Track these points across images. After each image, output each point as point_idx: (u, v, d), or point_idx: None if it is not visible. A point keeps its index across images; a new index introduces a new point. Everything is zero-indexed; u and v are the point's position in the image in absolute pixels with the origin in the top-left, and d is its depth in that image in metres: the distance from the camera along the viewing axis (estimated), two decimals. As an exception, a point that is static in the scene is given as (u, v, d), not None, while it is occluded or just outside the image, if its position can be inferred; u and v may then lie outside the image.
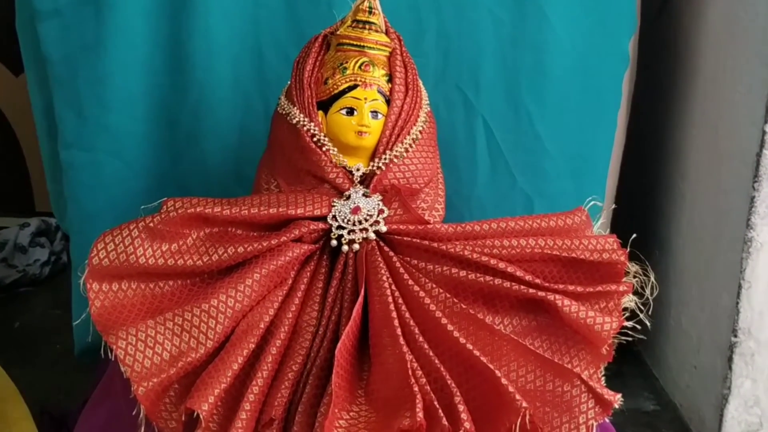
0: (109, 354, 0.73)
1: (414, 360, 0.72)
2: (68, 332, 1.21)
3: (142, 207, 0.82)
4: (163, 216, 0.78)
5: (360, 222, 0.79)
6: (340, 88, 0.81)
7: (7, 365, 1.03)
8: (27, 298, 1.51)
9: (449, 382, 0.71)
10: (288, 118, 0.83)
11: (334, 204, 0.80)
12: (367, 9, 0.84)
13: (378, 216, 0.80)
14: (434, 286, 0.77)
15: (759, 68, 0.98)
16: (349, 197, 0.81)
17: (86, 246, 0.86)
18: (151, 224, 0.77)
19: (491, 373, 0.71)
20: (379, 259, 0.78)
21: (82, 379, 1.05)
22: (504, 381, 0.71)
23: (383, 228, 0.79)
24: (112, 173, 1.08)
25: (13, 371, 1.02)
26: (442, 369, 0.72)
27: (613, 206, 1.09)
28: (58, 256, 1.59)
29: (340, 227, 0.79)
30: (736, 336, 1.04)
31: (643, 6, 1.13)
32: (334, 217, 0.79)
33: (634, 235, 0.85)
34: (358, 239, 0.79)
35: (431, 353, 0.73)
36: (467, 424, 0.68)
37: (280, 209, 0.79)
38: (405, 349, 0.73)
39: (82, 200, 1.10)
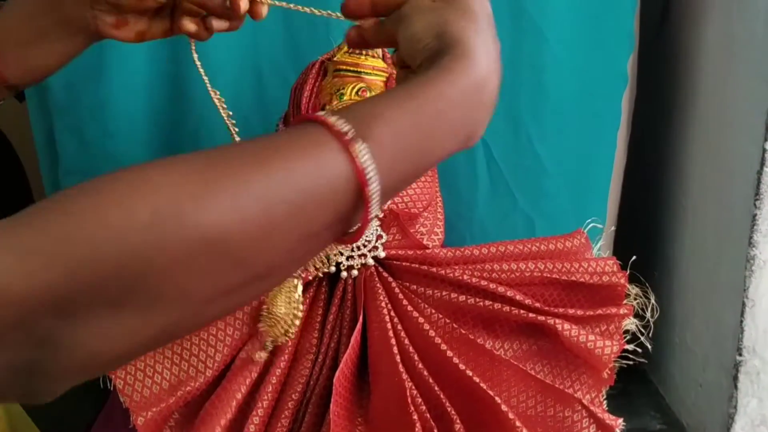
0: (109, 385, 0.73)
1: (413, 387, 0.72)
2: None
3: None
4: None
5: (358, 248, 0.79)
6: (338, 115, 0.81)
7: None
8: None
9: (449, 409, 0.71)
10: (286, 144, 0.83)
11: None
12: (364, 35, 0.84)
13: (376, 242, 0.80)
14: (433, 311, 0.77)
15: (758, 86, 0.98)
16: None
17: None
18: None
19: (491, 400, 0.71)
20: (378, 285, 0.78)
21: (85, 408, 1.05)
22: (504, 407, 0.71)
23: (381, 254, 0.79)
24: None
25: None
26: (441, 396, 0.72)
27: (613, 228, 1.09)
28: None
29: (338, 253, 0.79)
30: (741, 355, 1.03)
31: (641, 25, 1.13)
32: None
33: (634, 257, 0.85)
34: (357, 265, 0.79)
35: (431, 380, 0.73)
36: (467, 452, 0.68)
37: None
38: (404, 376, 0.72)
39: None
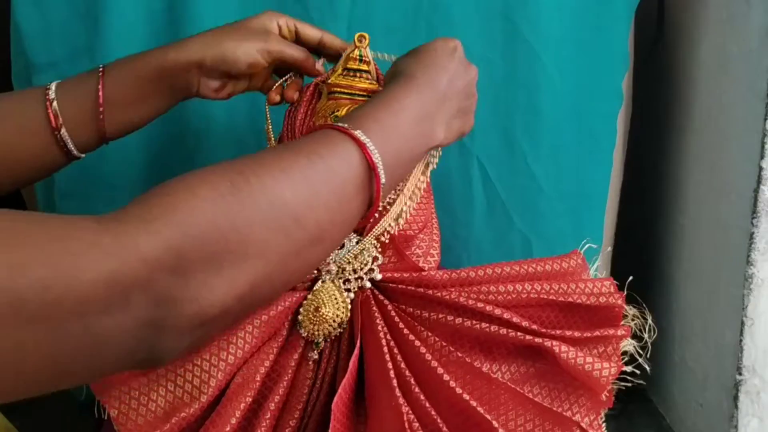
0: (103, 413, 0.72)
1: (410, 411, 0.72)
2: (67, 385, 1.20)
3: None
4: None
5: (354, 271, 0.79)
6: (332, 137, 0.81)
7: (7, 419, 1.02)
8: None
9: (446, 433, 0.71)
10: (281, 167, 0.83)
11: None
12: (358, 57, 0.84)
13: (372, 264, 0.80)
14: (430, 334, 0.76)
15: (754, 103, 0.98)
16: (343, 246, 0.80)
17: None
18: None
19: (489, 424, 0.70)
20: (374, 308, 0.78)
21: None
22: (502, 431, 0.70)
23: (378, 276, 0.79)
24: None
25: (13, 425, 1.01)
26: (438, 420, 0.71)
27: (609, 249, 1.09)
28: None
29: (337, 275, 0.79)
30: (740, 374, 1.02)
31: (636, 43, 1.13)
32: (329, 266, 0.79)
33: (631, 278, 0.84)
34: (354, 288, 0.79)
35: (427, 404, 0.72)
36: (464, 477, 0.67)
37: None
38: (401, 400, 0.72)
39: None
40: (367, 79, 0.84)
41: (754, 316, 1.00)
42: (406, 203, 0.81)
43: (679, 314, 1.20)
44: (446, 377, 0.73)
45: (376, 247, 0.80)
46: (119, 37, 1.03)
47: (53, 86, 0.78)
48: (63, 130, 0.77)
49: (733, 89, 1.04)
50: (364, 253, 0.79)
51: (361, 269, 0.79)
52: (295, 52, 0.83)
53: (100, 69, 0.80)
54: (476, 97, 0.83)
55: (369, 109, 0.69)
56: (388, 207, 0.81)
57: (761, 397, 1.03)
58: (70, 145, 0.78)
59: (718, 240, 1.08)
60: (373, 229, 0.80)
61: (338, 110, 0.82)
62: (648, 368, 0.79)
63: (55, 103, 0.77)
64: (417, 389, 0.73)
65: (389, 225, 0.80)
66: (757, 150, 0.96)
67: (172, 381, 0.73)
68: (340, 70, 0.84)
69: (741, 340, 1.02)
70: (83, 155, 0.81)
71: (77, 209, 1.08)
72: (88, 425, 0.97)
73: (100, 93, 0.78)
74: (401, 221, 0.80)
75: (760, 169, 0.96)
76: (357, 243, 0.80)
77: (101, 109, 0.78)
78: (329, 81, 0.84)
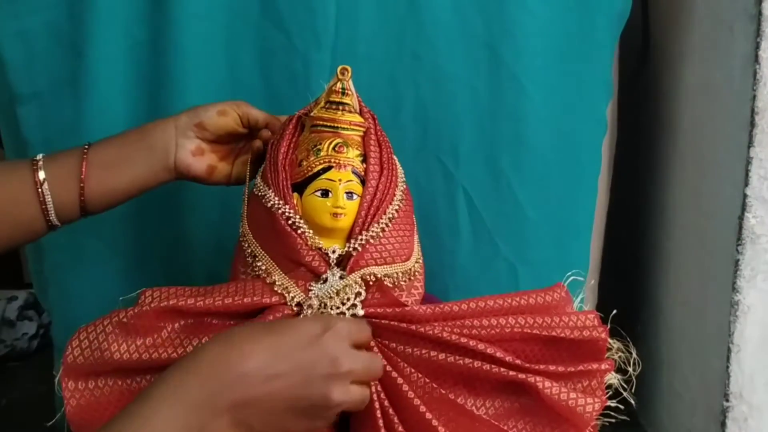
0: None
1: (394, 450, 0.71)
2: (56, 410, 1.19)
3: (121, 298, 0.81)
4: (136, 310, 0.77)
5: (337, 307, 0.79)
6: (315, 170, 0.81)
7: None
8: (15, 373, 1.49)
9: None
10: (263, 200, 0.82)
11: (311, 288, 0.80)
12: (341, 90, 0.84)
13: (355, 299, 0.79)
14: (413, 370, 0.76)
15: (736, 131, 0.98)
16: (326, 280, 0.80)
17: (68, 327, 0.85)
18: (125, 319, 0.76)
19: (471, 463, 0.70)
20: (357, 343, 0.77)
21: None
22: (485, 470, 0.70)
23: (360, 312, 0.78)
24: (91, 254, 1.07)
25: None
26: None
27: (594, 281, 1.09)
28: (46, 329, 1.58)
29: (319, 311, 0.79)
30: (728, 400, 1.02)
31: (619, 71, 1.13)
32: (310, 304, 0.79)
33: (615, 311, 0.84)
34: (336, 324, 0.78)
35: (411, 441, 0.72)
36: None
37: (255, 298, 0.78)
38: (384, 438, 0.72)
39: (62, 281, 1.09)
40: (350, 111, 0.84)
41: (740, 342, 1.00)
42: (398, 272, 0.82)
43: (666, 341, 1.20)
44: (429, 416, 0.72)
45: (359, 284, 0.80)
46: (102, 68, 1.03)
47: (40, 156, 0.83)
48: (46, 191, 0.82)
49: (717, 117, 1.04)
50: (347, 289, 0.79)
51: (344, 304, 0.79)
52: (259, 114, 0.91)
53: (87, 143, 0.86)
54: (335, 399, 0.69)
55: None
56: (376, 244, 0.81)
57: (749, 423, 1.02)
58: (50, 208, 0.82)
59: (703, 267, 1.08)
60: (361, 270, 0.79)
61: (320, 143, 0.82)
62: (634, 402, 0.79)
63: (41, 169, 0.82)
64: (401, 428, 0.73)
65: (380, 273, 0.80)
66: (742, 177, 0.97)
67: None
68: (322, 103, 0.84)
69: (728, 367, 1.01)
70: (60, 225, 0.85)
71: (60, 241, 1.07)
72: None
73: (84, 158, 0.83)
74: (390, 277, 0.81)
75: (745, 196, 0.96)
76: (341, 278, 0.80)
77: (83, 169, 0.83)
78: (312, 114, 0.84)
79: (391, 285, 0.81)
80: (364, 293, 0.79)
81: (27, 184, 0.81)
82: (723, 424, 1.03)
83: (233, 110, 0.89)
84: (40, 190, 0.81)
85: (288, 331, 0.68)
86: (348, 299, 0.79)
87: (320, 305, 0.78)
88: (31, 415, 1.32)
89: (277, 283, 0.80)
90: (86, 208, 0.85)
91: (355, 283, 0.80)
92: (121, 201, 0.88)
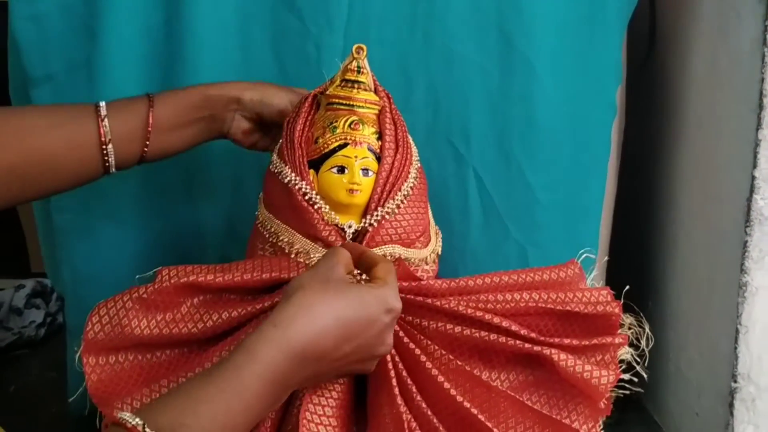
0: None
1: (412, 419, 0.72)
2: (64, 396, 1.20)
3: (137, 276, 0.82)
4: (156, 286, 0.78)
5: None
6: (331, 147, 0.82)
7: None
8: (22, 360, 1.50)
9: (447, 440, 0.71)
10: (280, 176, 0.83)
11: None
12: (356, 68, 0.85)
13: (370, 273, 0.80)
14: (429, 342, 0.77)
15: (745, 114, 0.99)
16: (340, 252, 0.81)
17: (81, 309, 0.86)
18: (144, 295, 0.77)
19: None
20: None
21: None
22: (502, 439, 0.71)
23: None
24: (105, 236, 1.08)
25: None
26: (441, 428, 0.72)
27: (606, 258, 1.10)
28: (53, 317, 1.58)
29: None
30: (736, 381, 1.03)
31: (629, 56, 1.14)
32: None
33: (628, 287, 0.85)
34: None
35: (429, 412, 0.73)
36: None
37: (273, 274, 0.79)
38: (403, 408, 0.73)
39: (76, 264, 1.10)
40: (365, 90, 0.85)
41: (748, 324, 1.01)
42: (416, 258, 0.83)
43: (674, 323, 1.21)
44: (447, 385, 0.73)
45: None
46: (117, 51, 1.03)
47: (103, 104, 0.85)
48: (110, 146, 0.83)
49: (725, 100, 1.05)
50: None
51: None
52: None
53: (149, 95, 0.88)
54: (387, 344, 0.73)
55: (198, 401, 0.60)
56: (391, 220, 0.82)
57: (756, 404, 1.03)
58: (111, 161, 0.84)
59: (712, 248, 1.09)
60: (381, 247, 0.80)
61: (336, 121, 0.83)
62: (645, 376, 0.80)
63: (106, 120, 0.83)
64: (419, 397, 0.74)
65: (402, 254, 0.81)
66: (750, 159, 0.97)
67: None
68: (338, 82, 0.85)
69: (736, 348, 1.02)
70: (115, 172, 0.87)
71: (74, 224, 1.08)
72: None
73: (150, 114, 0.86)
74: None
75: (753, 178, 0.97)
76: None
77: (149, 129, 0.86)
78: (327, 92, 0.85)
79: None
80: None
81: (90, 136, 0.83)
82: (731, 406, 1.04)
83: (290, 108, 0.91)
84: (104, 143, 0.83)
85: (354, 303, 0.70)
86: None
87: None
88: (38, 400, 1.33)
89: (299, 249, 0.81)
90: (144, 160, 0.89)
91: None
92: (175, 155, 0.92)
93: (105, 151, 0.83)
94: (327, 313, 0.66)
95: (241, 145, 0.95)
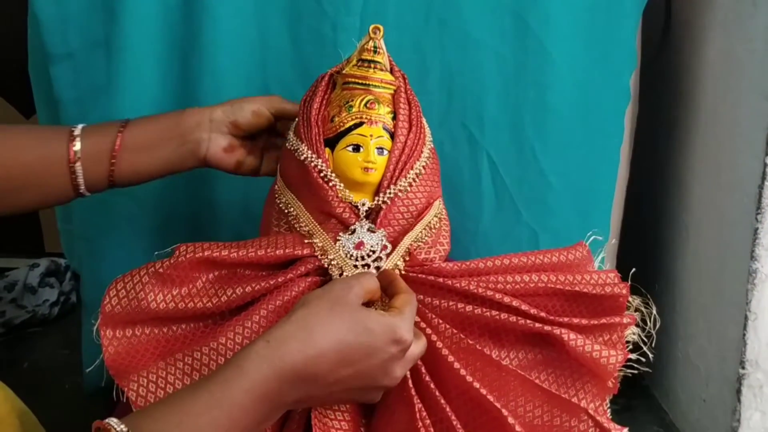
0: (122, 396, 0.74)
1: (423, 408, 0.73)
2: (77, 372, 1.21)
3: (156, 253, 0.83)
4: (172, 261, 0.79)
5: (362, 257, 0.80)
6: (347, 126, 0.83)
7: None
8: (36, 338, 1.52)
9: (455, 423, 0.72)
10: (296, 154, 0.84)
11: (339, 238, 0.81)
12: (372, 48, 0.86)
13: (381, 252, 0.81)
14: (440, 321, 0.78)
15: (758, 102, 0.99)
16: (354, 231, 0.82)
17: (97, 285, 0.87)
18: (161, 270, 0.78)
19: (498, 412, 0.72)
20: (384, 294, 0.79)
21: (91, 419, 1.05)
22: (511, 420, 0.72)
23: (384, 264, 0.80)
24: (122, 213, 1.09)
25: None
26: (447, 409, 0.72)
27: (615, 241, 1.10)
28: (67, 296, 1.60)
29: (344, 263, 0.80)
30: (743, 368, 1.04)
31: (643, 42, 1.14)
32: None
33: (635, 270, 0.85)
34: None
35: (437, 392, 0.74)
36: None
37: (287, 250, 0.80)
38: (413, 391, 0.73)
39: (93, 240, 1.11)
40: (381, 69, 0.85)
41: (757, 310, 1.02)
42: (420, 231, 0.83)
43: (682, 310, 1.21)
44: (456, 365, 0.74)
45: (385, 236, 0.82)
46: (135, 31, 1.04)
47: (80, 126, 0.87)
48: (77, 164, 0.86)
49: (738, 88, 1.05)
50: (374, 239, 0.81)
51: (369, 257, 0.80)
52: (293, 108, 0.92)
53: (127, 120, 0.90)
54: (394, 377, 0.71)
55: (184, 413, 0.61)
56: (403, 198, 0.83)
57: (764, 391, 1.04)
58: (80, 180, 0.86)
59: (722, 235, 1.09)
60: (395, 250, 0.82)
61: (352, 100, 0.83)
62: (651, 357, 0.80)
63: (77, 140, 0.86)
64: (428, 378, 0.74)
65: (408, 241, 0.82)
66: (762, 147, 0.98)
67: (189, 364, 0.75)
68: (354, 61, 0.86)
69: (744, 335, 1.03)
70: (89, 194, 0.89)
71: (91, 199, 1.08)
72: (100, 408, 0.98)
73: (119, 136, 0.87)
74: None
75: (765, 165, 0.97)
76: (369, 230, 0.82)
77: (116, 149, 0.87)
78: (344, 72, 0.86)
79: (416, 245, 0.83)
80: (390, 246, 0.81)
81: (61, 154, 0.85)
82: (738, 392, 1.05)
83: (267, 110, 0.92)
84: (72, 162, 0.85)
85: (357, 329, 0.68)
86: (374, 251, 0.81)
87: (346, 255, 0.80)
88: (51, 377, 1.35)
89: (305, 230, 0.82)
90: (114, 184, 0.90)
91: (384, 237, 0.82)
92: (147, 181, 0.93)
93: (73, 170, 0.85)
94: (326, 335, 0.65)
95: (226, 168, 0.94)
